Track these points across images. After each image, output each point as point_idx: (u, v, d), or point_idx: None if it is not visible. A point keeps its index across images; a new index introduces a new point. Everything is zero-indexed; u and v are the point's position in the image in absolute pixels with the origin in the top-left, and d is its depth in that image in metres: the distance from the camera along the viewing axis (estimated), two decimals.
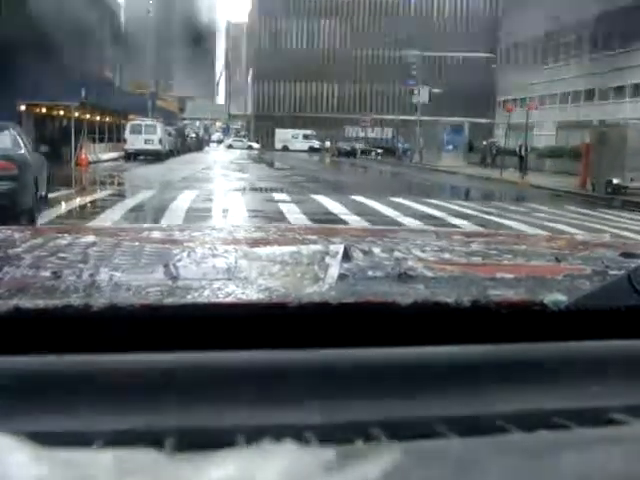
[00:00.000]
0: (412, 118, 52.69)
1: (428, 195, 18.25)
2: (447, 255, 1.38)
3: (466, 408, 0.61)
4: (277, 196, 16.05)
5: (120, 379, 0.61)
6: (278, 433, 0.51)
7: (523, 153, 30.43)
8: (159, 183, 18.93)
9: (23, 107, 25.80)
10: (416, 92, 48.49)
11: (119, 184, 20.49)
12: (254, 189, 18.85)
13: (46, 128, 29.65)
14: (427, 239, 1.65)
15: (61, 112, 28.52)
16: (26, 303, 0.69)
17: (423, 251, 1.36)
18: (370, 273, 1.04)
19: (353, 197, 16.27)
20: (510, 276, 1.05)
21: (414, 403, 0.61)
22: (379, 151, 61.65)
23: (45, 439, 0.49)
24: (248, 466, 0.44)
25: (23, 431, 0.50)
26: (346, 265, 1.05)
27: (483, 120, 59.39)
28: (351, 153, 59.37)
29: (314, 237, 1.54)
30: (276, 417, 0.58)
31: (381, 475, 0.43)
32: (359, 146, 63.08)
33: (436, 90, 51.02)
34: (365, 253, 1.23)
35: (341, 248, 1.11)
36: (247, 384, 0.61)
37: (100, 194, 15.81)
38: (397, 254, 1.28)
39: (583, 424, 0.58)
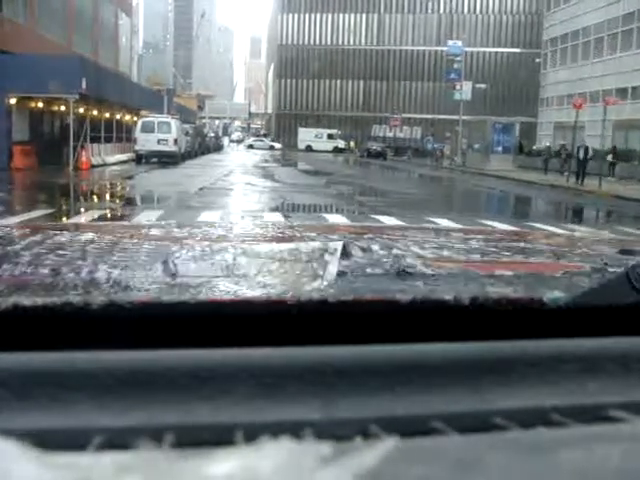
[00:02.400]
0: (453, 117, 48.52)
1: (525, 215, 13.97)
2: (446, 252, 1.38)
3: (464, 405, 0.61)
4: (334, 220, 11.61)
5: (119, 376, 0.61)
6: (277, 430, 0.51)
7: (582, 156, 26.26)
8: (169, 198, 14.75)
9: (13, 100, 22.11)
10: (458, 87, 44.02)
11: (116, 199, 16.15)
12: (296, 207, 14.55)
13: (43, 125, 25.72)
14: (426, 236, 1.65)
15: (62, 107, 24.52)
16: (24, 300, 0.69)
17: (422, 248, 1.37)
18: (369, 270, 1.05)
19: (432, 219, 11.92)
20: (509, 273, 1.06)
21: (413, 400, 0.62)
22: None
23: (44, 437, 0.50)
24: (247, 463, 0.45)
25: (22, 429, 0.51)
26: (345, 262, 1.06)
27: (523, 118, 54.92)
28: (381, 154, 55.23)
29: (313, 234, 1.55)
30: (275, 414, 0.58)
31: (379, 471, 0.44)
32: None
33: (481, 85, 46.76)
34: (364, 250, 1.24)
35: (340, 245, 1.11)
36: (246, 381, 0.62)
37: (82, 218, 11.50)
38: (396, 251, 1.29)
39: (582, 421, 0.58)
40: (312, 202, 15.63)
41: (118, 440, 0.52)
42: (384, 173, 34.56)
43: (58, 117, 26.55)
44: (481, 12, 75.88)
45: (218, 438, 0.52)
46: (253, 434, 0.51)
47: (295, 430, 0.53)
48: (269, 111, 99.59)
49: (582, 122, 33.57)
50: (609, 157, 30.86)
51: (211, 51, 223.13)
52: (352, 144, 64.92)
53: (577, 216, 17.37)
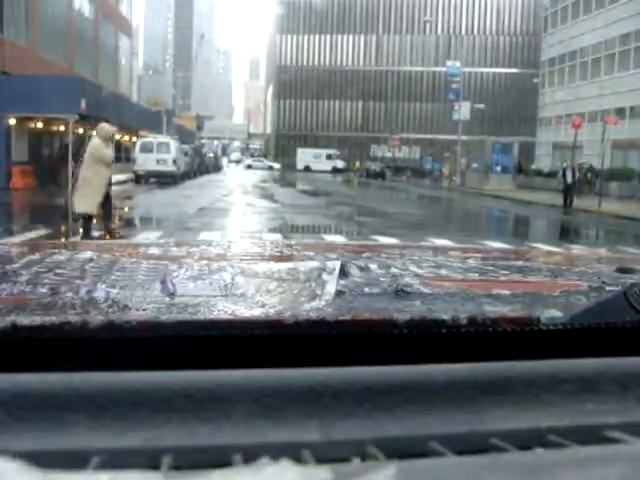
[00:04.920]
0: (451, 137, 48.66)
1: (526, 236, 13.76)
2: (444, 271, 1.38)
3: (462, 426, 0.62)
4: (332, 240, 11.54)
5: (117, 398, 0.61)
6: (275, 452, 0.51)
7: (570, 179, 24.91)
8: (168, 219, 14.66)
9: (13, 121, 22.11)
10: (457, 107, 44.15)
11: (115, 220, 16.06)
12: (295, 228, 14.48)
13: (42, 146, 25.68)
14: (424, 255, 1.63)
15: (61, 127, 24.50)
16: (23, 320, 0.69)
17: (420, 267, 1.37)
18: (367, 290, 1.05)
19: (434, 240, 11.83)
20: (507, 292, 1.06)
21: (411, 421, 0.62)
22: None
23: (42, 458, 0.50)
24: None
25: (20, 450, 0.51)
26: (343, 282, 1.06)
27: (521, 138, 55.08)
28: (380, 174, 55.29)
29: (311, 253, 1.54)
30: (273, 436, 0.58)
31: None
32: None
33: (479, 105, 46.94)
34: (362, 269, 1.24)
35: (338, 264, 1.11)
36: (244, 403, 0.62)
37: (78, 240, 11.38)
38: (394, 270, 1.29)
39: (579, 442, 0.58)
40: (311, 223, 15.57)
41: (116, 462, 0.52)
42: (383, 193, 34.52)
43: (57, 137, 26.54)
44: (479, 33, 76.42)
45: (216, 460, 0.52)
46: (252, 456, 0.51)
47: (294, 452, 0.53)
48: (268, 132, 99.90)
49: (580, 142, 33.61)
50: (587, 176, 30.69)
51: (210, 72, 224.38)
52: (358, 164, 63.66)
53: (580, 236, 17.30)
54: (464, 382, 0.66)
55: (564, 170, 25.23)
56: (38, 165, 23.64)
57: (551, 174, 37.19)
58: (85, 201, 9.87)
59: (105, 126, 10.34)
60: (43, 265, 1.29)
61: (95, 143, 10.03)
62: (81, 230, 10.16)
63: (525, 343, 0.73)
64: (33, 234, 11.10)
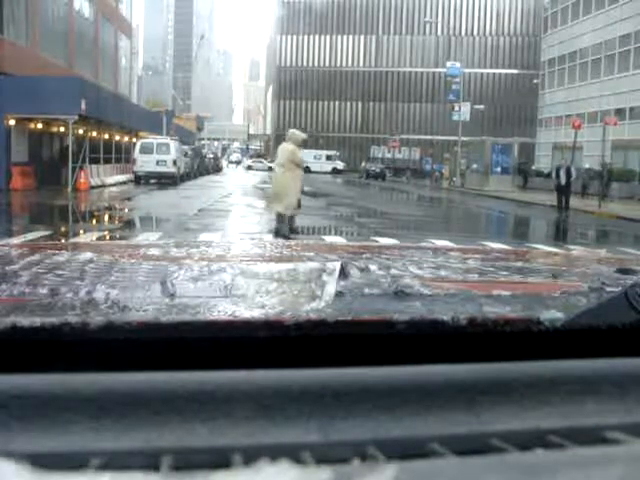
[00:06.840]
0: (451, 138, 48.67)
1: (527, 237, 13.73)
2: (444, 272, 1.38)
3: (462, 427, 0.61)
4: (332, 241, 11.53)
5: (117, 398, 0.61)
6: (275, 453, 0.52)
7: (564, 179, 22.92)
8: (168, 220, 14.64)
9: (13, 122, 22.09)
10: (457, 108, 44.15)
11: (115, 221, 16.06)
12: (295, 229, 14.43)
13: (42, 146, 25.66)
14: (424, 256, 1.62)
15: (61, 128, 24.49)
16: (23, 321, 0.68)
17: (420, 268, 1.37)
18: (367, 290, 1.05)
19: (434, 241, 11.80)
20: (507, 293, 1.06)
21: (410, 422, 0.62)
22: None
23: (42, 459, 0.50)
24: None
25: (21, 451, 0.52)
26: (343, 282, 1.06)
27: (521, 139, 55.09)
28: (380, 175, 55.24)
29: (311, 254, 1.54)
30: (273, 437, 0.58)
31: None
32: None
33: (479, 106, 46.96)
34: (362, 270, 1.24)
35: (338, 265, 1.10)
36: (244, 403, 0.61)
37: (81, 240, 11.37)
38: (394, 271, 1.28)
39: (579, 443, 0.58)
40: (311, 224, 15.53)
41: (116, 462, 0.52)
42: (383, 194, 34.50)
43: (57, 138, 26.52)
44: (478, 34, 76.36)
45: (216, 461, 0.52)
46: (251, 457, 0.51)
47: (293, 452, 0.53)
48: (268, 132, 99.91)
49: (580, 142, 33.62)
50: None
51: (210, 73, 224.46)
52: (364, 164, 62.22)
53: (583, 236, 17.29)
54: (464, 382, 0.66)
55: (558, 170, 23.66)
56: (38, 166, 23.61)
57: (551, 175, 37.23)
58: (287, 202, 10.50)
59: (296, 132, 10.84)
60: (43, 266, 1.29)
61: (290, 148, 10.41)
62: (284, 229, 10.67)
63: (525, 344, 0.73)
64: (34, 235, 11.08)
